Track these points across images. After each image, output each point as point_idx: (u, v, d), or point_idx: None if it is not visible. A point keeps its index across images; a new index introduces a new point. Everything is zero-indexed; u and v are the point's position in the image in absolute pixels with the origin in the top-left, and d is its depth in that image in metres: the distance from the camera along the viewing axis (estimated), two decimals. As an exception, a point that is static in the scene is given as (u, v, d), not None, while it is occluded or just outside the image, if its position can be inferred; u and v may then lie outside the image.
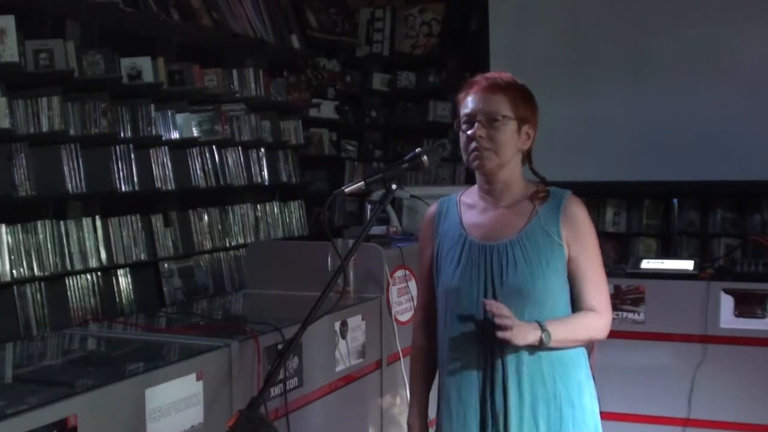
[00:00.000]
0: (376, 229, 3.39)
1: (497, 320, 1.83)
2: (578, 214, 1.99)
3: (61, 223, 3.70)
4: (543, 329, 1.88)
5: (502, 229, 1.99)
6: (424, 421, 2.17)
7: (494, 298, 1.95)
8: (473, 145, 1.95)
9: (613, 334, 2.06)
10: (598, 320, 1.98)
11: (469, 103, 1.98)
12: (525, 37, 5.81)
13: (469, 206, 2.08)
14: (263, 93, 5.08)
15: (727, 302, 3.57)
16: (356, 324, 2.82)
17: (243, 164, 4.89)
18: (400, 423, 3.05)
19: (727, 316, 3.57)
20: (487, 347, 1.96)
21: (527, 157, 2.04)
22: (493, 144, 1.94)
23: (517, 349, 1.92)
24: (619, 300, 3.68)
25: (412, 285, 3.19)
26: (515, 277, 1.94)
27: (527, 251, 1.95)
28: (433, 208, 2.16)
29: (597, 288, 1.99)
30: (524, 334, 1.86)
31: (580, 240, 1.97)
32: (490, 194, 2.03)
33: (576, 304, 2.00)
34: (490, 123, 1.94)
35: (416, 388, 2.19)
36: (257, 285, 3.22)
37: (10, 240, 3.45)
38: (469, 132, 1.96)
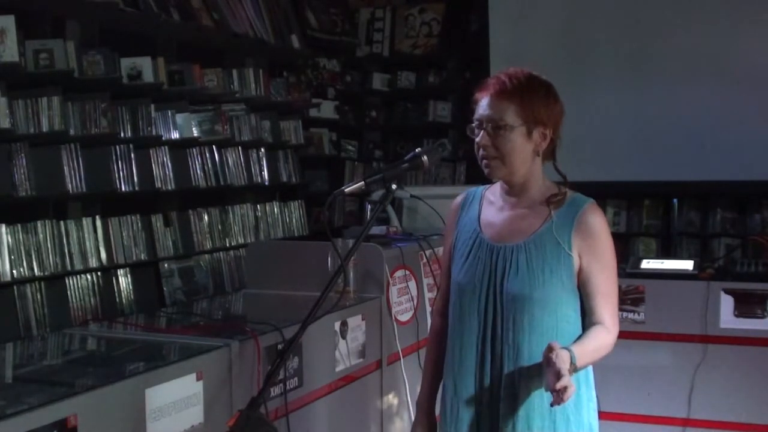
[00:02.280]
0: (376, 229, 3.38)
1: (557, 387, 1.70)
2: (594, 225, 1.93)
3: (61, 223, 3.70)
4: (572, 362, 1.78)
5: (514, 231, 1.97)
6: (432, 403, 2.17)
7: (495, 300, 1.94)
8: (481, 152, 1.94)
9: (613, 334, 2.05)
10: (610, 338, 1.92)
11: (479, 108, 1.95)
12: (525, 37, 5.81)
13: (490, 202, 2.06)
14: (263, 93, 5.08)
15: (727, 302, 3.57)
16: (356, 324, 2.81)
17: (243, 164, 4.89)
18: (400, 423, 3.05)
19: (727, 316, 3.57)
20: (486, 346, 1.96)
21: (551, 155, 1.99)
22: (499, 152, 1.91)
23: (516, 357, 1.91)
24: (619, 300, 3.68)
25: (412, 285, 3.19)
26: (514, 283, 1.92)
27: (531, 258, 1.92)
28: (459, 199, 2.14)
29: (608, 302, 1.95)
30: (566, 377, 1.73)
31: (594, 252, 1.92)
32: (510, 194, 2.01)
33: (585, 315, 1.96)
34: (495, 131, 1.91)
35: (429, 371, 2.20)
36: (257, 285, 3.22)
37: (10, 240, 3.45)
38: (476, 139, 1.94)
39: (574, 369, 1.78)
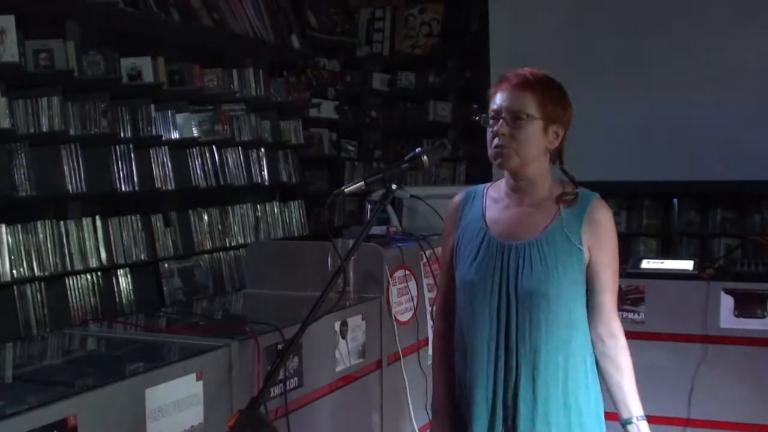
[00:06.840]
0: (376, 229, 3.38)
1: None
2: (603, 220, 1.95)
3: (61, 223, 3.70)
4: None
5: (523, 228, 1.97)
6: (449, 406, 2.13)
7: (508, 298, 1.94)
8: (496, 141, 1.93)
9: (613, 335, 2.06)
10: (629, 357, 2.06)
11: (497, 99, 1.95)
12: (525, 37, 5.81)
13: (494, 200, 2.05)
14: (263, 93, 5.09)
15: (727, 302, 3.56)
16: (356, 324, 2.81)
17: (243, 164, 4.89)
18: (400, 423, 3.04)
19: (727, 316, 3.56)
20: (499, 345, 1.95)
21: (558, 157, 2.00)
22: (515, 142, 1.91)
23: (534, 353, 1.92)
24: (619, 300, 3.67)
25: (412, 285, 3.19)
26: (529, 279, 1.92)
27: (545, 254, 1.92)
28: (459, 197, 2.13)
29: (613, 299, 2.00)
30: None
31: (602, 247, 1.95)
32: (515, 191, 2.01)
33: (588, 307, 1.98)
34: (514, 121, 1.91)
35: (438, 374, 2.17)
36: (257, 285, 3.22)
37: (10, 240, 3.45)
38: (493, 128, 1.94)
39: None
